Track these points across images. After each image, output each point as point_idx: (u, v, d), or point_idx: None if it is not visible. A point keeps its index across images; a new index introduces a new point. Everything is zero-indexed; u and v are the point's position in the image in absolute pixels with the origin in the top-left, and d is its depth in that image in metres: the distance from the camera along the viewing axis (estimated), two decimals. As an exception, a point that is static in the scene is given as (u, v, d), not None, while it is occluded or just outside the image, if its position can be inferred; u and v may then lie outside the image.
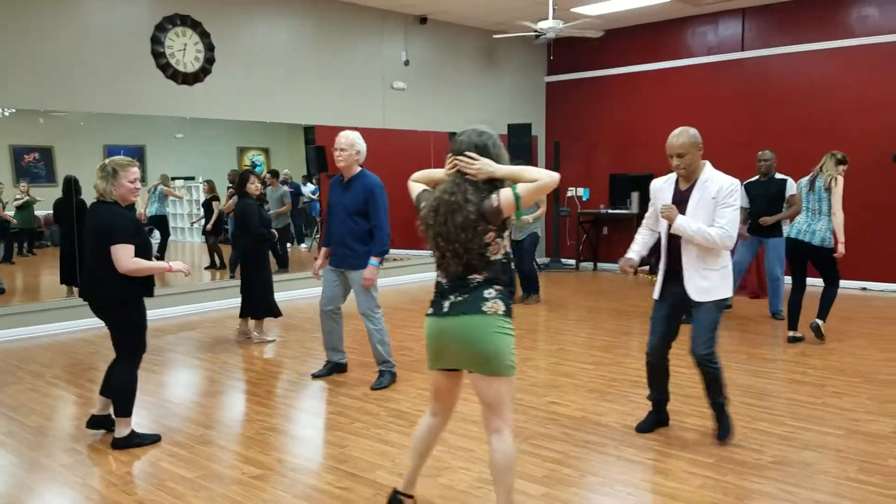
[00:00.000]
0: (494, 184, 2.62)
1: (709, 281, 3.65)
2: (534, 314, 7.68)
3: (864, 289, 8.55)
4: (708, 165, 3.69)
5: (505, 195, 2.56)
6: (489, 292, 2.61)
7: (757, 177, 6.81)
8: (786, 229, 6.35)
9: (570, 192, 11.47)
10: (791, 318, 6.12)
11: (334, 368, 5.30)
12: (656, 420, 4.08)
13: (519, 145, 10.83)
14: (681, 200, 3.68)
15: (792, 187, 6.65)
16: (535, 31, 8.54)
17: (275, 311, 6.43)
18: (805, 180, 6.04)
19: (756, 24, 9.66)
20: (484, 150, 2.63)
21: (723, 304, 3.70)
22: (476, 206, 2.56)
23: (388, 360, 5.05)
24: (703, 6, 9.51)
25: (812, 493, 3.21)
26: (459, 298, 2.62)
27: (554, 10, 8.74)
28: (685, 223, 3.58)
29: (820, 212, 5.86)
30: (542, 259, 11.35)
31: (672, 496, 3.22)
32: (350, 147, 4.79)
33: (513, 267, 2.77)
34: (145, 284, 3.86)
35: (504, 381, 2.60)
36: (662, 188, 3.80)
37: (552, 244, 11.73)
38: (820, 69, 9.13)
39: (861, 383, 4.95)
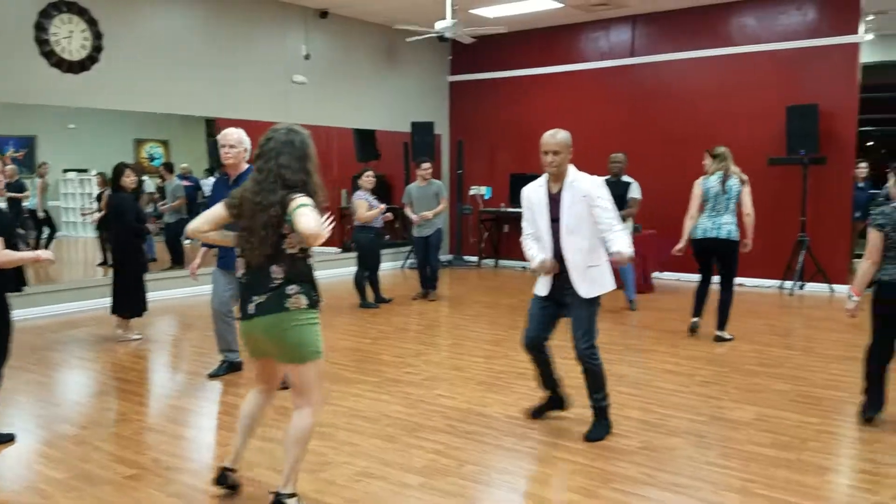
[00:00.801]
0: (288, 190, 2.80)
1: (593, 277, 3.84)
2: (434, 310, 7.79)
3: (741, 285, 9.10)
4: (572, 167, 3.87)
5: (292, 206, 2.74)
6: (291, 289, 2.83)
7: (608, 176, 7.24)
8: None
9: (473, 190, 11.66)
10: (696, 306, 6.40)
11: (230, 368, 5.22)
12: (549, 405, 4.25)
13: (422, 143, 10.95)
14: (554, 202, 3.84)
15: (635, 190, 7.36)
16: (429, 31, 8.65)
17: (139, 310, 6.24)
18: (712, 180, 6.10)
19: (645, 31, 10.10)
20: (291, 147, 2.86)
21: (598, 299, 3.90)
22: (277, 206, 2.78)
23: (233, 347, 5.12)
24: (594, 12, 9.86)
25: (674, 476, 3.43)
26: (263, 298, 2.82)
27: (454, 10, 8.88)
28: (624, 243, 3.71)
29: (727, 209, 6.06)
30: (445, 256, 11.50)
31: (543, 482, 3.37)
32: (239, 144, 4.71)
33: (310, 265, 2.94)
34: (13, 279, 3.71)
35: (309, 366, 2.87)
36: (536, 192, 3.94)
37: (455, 241, 11.90)
38: (703, 76, 9.65)
39: (729, 373, 5.29)
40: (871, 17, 10.16)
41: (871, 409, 4.17)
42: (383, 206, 7.90)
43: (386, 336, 6.52)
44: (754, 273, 9.14)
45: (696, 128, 9.63)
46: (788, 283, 8.96)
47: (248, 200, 2.85)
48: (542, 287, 4.00)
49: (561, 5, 9.42)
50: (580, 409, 4.30)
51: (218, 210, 2.97)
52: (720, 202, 6.07)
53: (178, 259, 9.11)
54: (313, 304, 2.87)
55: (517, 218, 11.38)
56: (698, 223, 6.16)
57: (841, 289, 8.57)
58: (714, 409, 4.44)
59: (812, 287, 8.88)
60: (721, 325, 6.26)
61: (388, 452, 3.71)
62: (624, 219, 7.14)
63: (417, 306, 7.97)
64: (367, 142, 11.08)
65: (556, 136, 3.80)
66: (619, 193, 7.06)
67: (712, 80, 9.60)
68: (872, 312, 4.13)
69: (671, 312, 7.51)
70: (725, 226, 6.04)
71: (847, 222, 8.95)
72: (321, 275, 3.41)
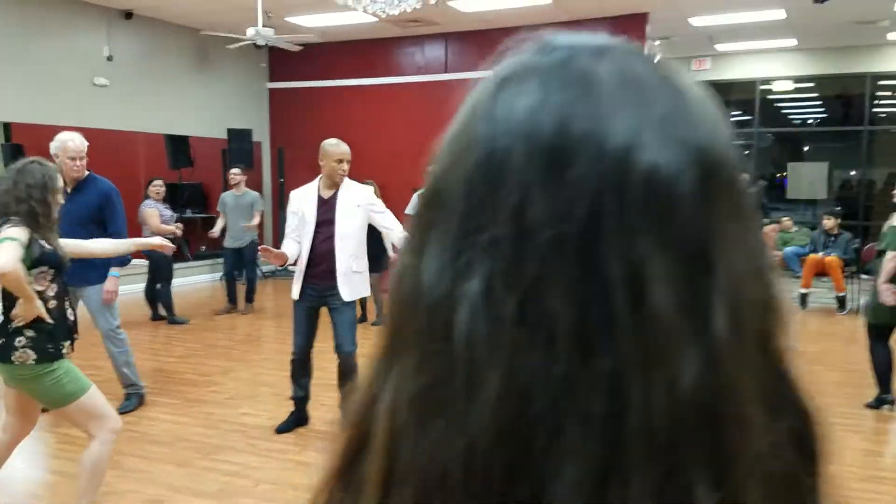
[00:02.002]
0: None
1: (355, 283, 4.08)
2: (249, 324, 7.64)
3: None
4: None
5: None
6: (19, 340, 2.64)
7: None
8: None
9: (293, 198, 11.53)
10: None
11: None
12: (297, 419, 4.34)
13: (240, 150, 10.68)
14: (329, 207, 4.04)
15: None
16: (239, 38, 8.51)
17: None
18: None
19: (456, 48, 10.55)
20: (23, 176, 2.69)
21: (355, 303, 4.18)
22: None
23: (136, 382, 4.72)
24: (408, 28, 10.15)
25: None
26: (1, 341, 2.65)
27: (268, 17, 8.77)
28: (399, 234, 4.00)
29: None
30: (269, 267, 11.29)
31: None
32: (85, 152, 4.43)
33: (66, 306, 2.84)
34: None
35: (71, 408, 2.74)
36: (307, 196, 4.13)
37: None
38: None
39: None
40: (657, 43, 11.29)
41: None
42: (177, 225, 7.55)
43: (193, 353, 6.32)
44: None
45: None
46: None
47: None
48: (295, 290, 4.16)
49: (375, 19, 9.59)
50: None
51: None
52: None
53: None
54: (45, 357, 2.65)
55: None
56: None
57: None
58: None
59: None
60: None
61: (180, 477, 3.63)
62: None
63: (231, 321, 7.78)
64: (179, 148, 10.62)
65: (346, 146, 4.10)
66: None
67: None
68: None
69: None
70: None
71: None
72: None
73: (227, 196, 8.09)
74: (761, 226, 0.44)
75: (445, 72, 10.62)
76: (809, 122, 14.14)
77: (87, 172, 4.49)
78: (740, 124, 13.22)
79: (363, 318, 7.09)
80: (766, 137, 13.85)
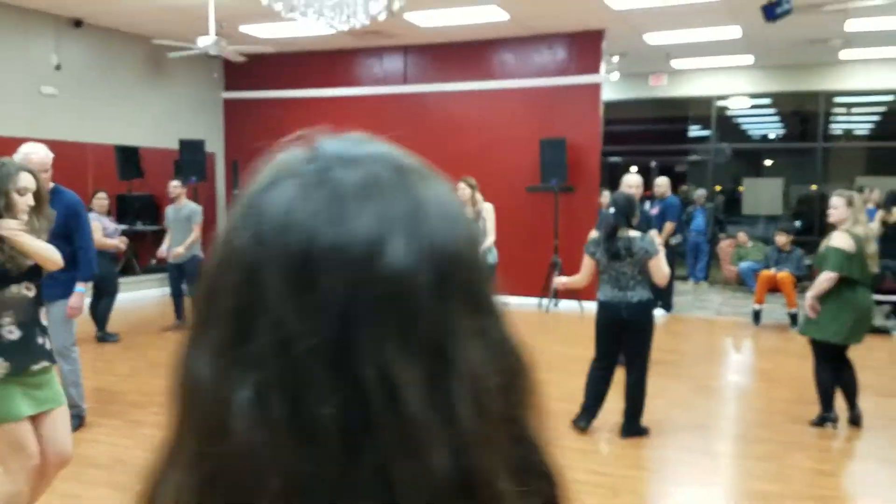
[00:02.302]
0: None
1: None
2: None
3: (505, 303, 9.70)
4: None
5: None
6: None
7: None
8: None
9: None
10: None
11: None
12: None
13: (192, 161, 10.46)
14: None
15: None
16: (191, 47, 8.35)
17: None
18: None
19: (415, 61, 10.50)
20: None
21: None
22: None
23: (79, 404, 4.56)
24: (366, 39, 10.07)
25: None
26: None
27: (221, 27, 8.62)
28: None
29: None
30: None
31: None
32: (49, 165, 4.24)
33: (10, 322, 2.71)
34: None
35: None
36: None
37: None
38: (468, 107, 10.22)
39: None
40: (615, 59, 11.39)
41: (582, 419, 4.63)
42: (121, 238, 7.34)
43: (137, 372, 6.12)
44: (516, 291, 9.79)
45: (463, 156, 10.15)
46: (545, 301, 9.71)
47: None
48: None
49: (331, 31, 9.48)
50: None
51: None
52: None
53: None
54: None
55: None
56: None
57: (589, 305, 9.43)
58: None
59: (565, 304, 9.68)
60: None
61: (116, 503, 3.48)
62: None
63: (177, 337, 7.55)
64: (129, 159, 10.35)
65: None
66: None
67: (476, 112, 10.19)
68: (595, 328, 4.61)
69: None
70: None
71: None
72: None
73: (168, 210, 7.90)
74: (503, 316, 0.48)
75: (405, 84, 10.56)
76: (771, 137, 14.38)
77: (51, 185, 4.33)
78: (698, 139, 13.41)
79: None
80: (724, 153, 14.06)
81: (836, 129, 13.14)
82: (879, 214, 8.37)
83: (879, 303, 8.03)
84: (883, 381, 6.04)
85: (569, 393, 5.55)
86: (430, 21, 8.91)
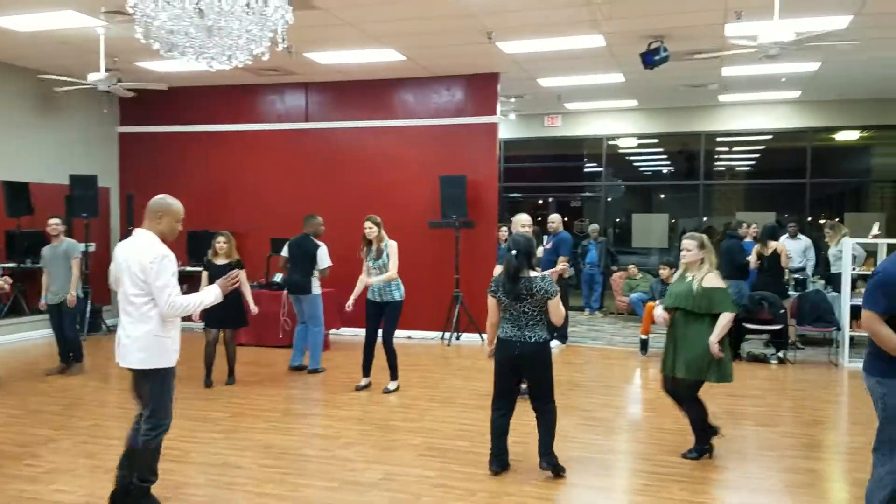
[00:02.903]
0: None
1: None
2: (81, 385, 7.12)
3: (410, 337, 9.80)
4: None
5: None
6: None
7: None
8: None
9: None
10: (365, 364, 6.91)
11: None
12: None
13: (84, 197, 10.10)
14: None
15: (325, 255, 7.57)
16: (80, 83, 8.15)
17: None
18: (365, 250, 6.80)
19: (317, 98, 10.57)
20: None
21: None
22: None
23: None
24: (266, 76, 10.07)
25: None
26: None
27: (114, 62, 8.44)
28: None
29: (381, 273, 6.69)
30: (113, 320, 10.65)
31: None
32: None
33: None
34: None
35: None
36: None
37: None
38: (371, 144, 10.35)
39: (371, 431, 5.62)
40: (512, 100, 11.82)
41: (495, 464, 4.64)
42: (4, 278, 6.99)
43: (15, 420, 5.82)
44: (420, 326, 9.89)
45: (368, 193, 10.26)
46: (447, 335, 9.85)
47: None
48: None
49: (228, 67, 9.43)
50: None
51: None
52: (377, 266, 6.68)
53: None
54: None
55: (196, 277, 10.99)
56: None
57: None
58: (347, 473, 4.67)
59: (466, 337, 9.85)
60: (392, 376, 6.87)
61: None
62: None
63: (63, 381, 7.23)
64: (18, 195, 9.89)
65: None
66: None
67: (379, 149, 10.33)
68: (495, 366, 4.68)
69: (342, 370, 7.79)
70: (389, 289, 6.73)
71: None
72: None
73: (44, 250, 7.59)
74: None
75: (307, 121, 10.59)
76: (663, 173, 15.15)
77: None
78: (592, 176, 14.00)
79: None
80: (620, 189, 14.74)
81: (719, 167, 14.04)
82: (756, 248, 8.94)
83: (756, 332, 8.59)
84: (760, 409, 6.43)
85: (463, 430, 5.66)
86: (328, 59, 9.02)
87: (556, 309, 4.54)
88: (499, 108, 10.10)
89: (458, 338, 9.84)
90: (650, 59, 7.70)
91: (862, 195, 13.08)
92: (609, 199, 14.17)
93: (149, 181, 11.23)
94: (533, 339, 4.53)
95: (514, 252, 4.54)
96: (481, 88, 9.99)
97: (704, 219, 13.19)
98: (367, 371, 6.93)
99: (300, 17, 5.48)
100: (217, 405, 6.35)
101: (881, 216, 12.22)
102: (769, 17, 6.27)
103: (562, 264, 9.43)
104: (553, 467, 4.57)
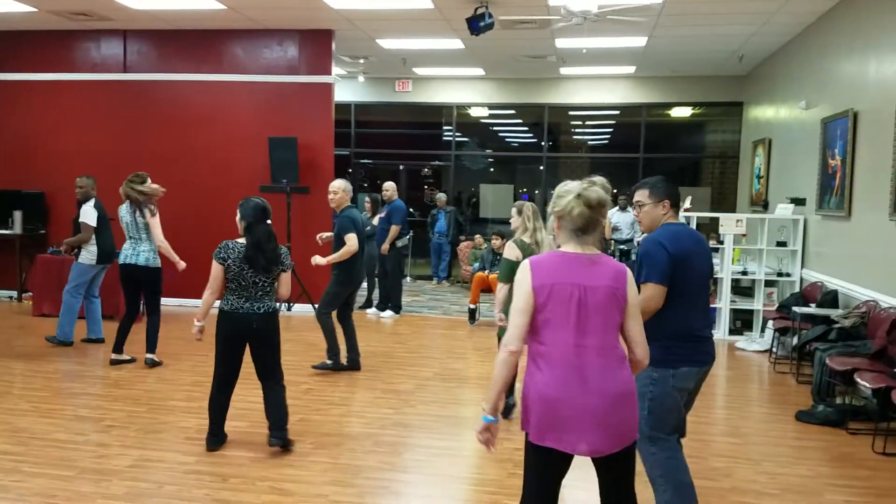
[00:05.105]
0: None
1: None
2: None
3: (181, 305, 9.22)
4: None
5: None
6: None
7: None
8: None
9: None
10: (118, 340, 6.48)
11: None
12: None
13: None
14: None
15: (86, 214, 6.88)
16: None
17: None
18: (123, 209, 6.41)
19: (136, 48, 9.72)
20: None
21: None
22: None
23: None
24: (77, 21, 9.12)
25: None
26: None
27: None
28: None
29: (140, 238, 6.35)
30: None
31: None
32: None
33: None
34: None
35: None
36: None
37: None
38: (196, 99, 9.64)
39: (144, 412, 5.18)
40: (361, 61, 11.38)
41: (212, 442, 4.45)
42: None
43: None
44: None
45: (197, 151, 9.59)
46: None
47: None
48: None
49: (33, 9, 8.48)
50: None
51: None
52: (133, 231, 6.36)
53: None
54: None
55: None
56: (122, 250, 6.41)
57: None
58: (92, 460, 4.24)
59: (299, 307, 9.46)
60: (150, 348, 6.45)
61: None
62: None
63: None
64: None
65: None
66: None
67: (206, 105, 9.65)
68: (216, 339, 4.40)
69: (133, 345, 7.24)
70: (143, 254, 6.33)
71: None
72: None
73: None
74: None
75: (125, 71, 9.73)
76: (522, 144, 15.18)
77: None
78: (444, 145, 13.83)
79: None
80: (479, 160, 14.69)
81: (575, 140, 14.23)
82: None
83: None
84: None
85: (245, 409, 5.27)
86: (142, 4, 8.24)
87: (288, 282, 4.49)
88: (334, 67, 9.64)
89: (289, 308, 9.44)
90: (476, 24, 7.50)
91: (698, 171, 13.62)
92: (468, 168, 14.08)
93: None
94: (263, 310, 4.37)
95: (269, 221, 4.47)
96: (315, 46, 9.49)
97: (551, 191, 13.33)
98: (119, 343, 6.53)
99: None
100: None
101: (707, 190, 12.81)
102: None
103: (393, 233, 9.31)
104: (284, 442, 4.44)
